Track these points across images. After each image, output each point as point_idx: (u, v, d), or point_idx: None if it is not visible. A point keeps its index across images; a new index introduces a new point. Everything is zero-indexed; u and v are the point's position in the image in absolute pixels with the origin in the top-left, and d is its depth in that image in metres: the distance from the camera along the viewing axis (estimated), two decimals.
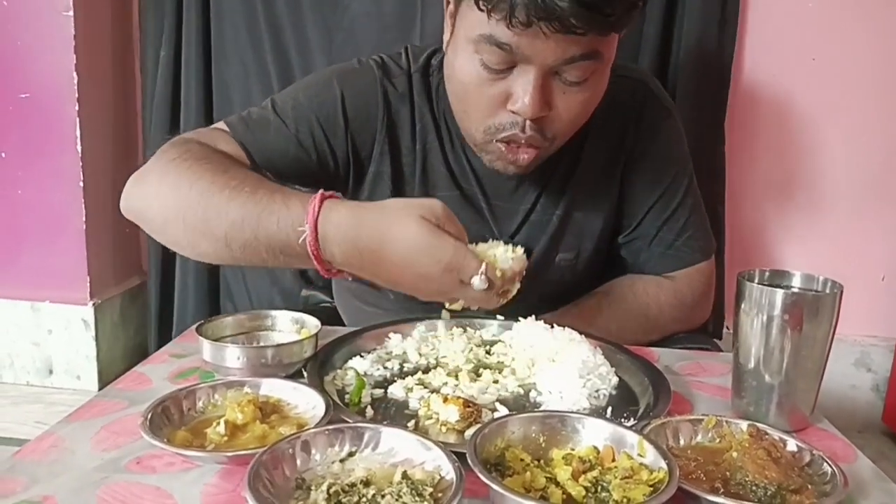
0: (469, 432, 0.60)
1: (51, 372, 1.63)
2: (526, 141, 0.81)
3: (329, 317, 0.82)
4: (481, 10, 0.73)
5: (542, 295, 0.89)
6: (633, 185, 0.99)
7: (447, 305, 0.77)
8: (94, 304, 1.59)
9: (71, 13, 1.47)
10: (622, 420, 0.63)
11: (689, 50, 1.41)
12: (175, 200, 0.78)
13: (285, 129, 0.90)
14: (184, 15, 1.51)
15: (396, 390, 0.70)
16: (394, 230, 0.67)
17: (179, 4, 1.51)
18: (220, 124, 0.92)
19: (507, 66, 0.77)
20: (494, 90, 0.79)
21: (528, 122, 0.79)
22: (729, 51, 1.43)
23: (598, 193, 0.98)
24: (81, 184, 1.53)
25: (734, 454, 0.56)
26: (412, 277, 0.68)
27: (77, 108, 1.50)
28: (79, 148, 1.52)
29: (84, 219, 1.55)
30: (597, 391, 0.70)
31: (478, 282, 0.66)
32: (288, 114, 0.91)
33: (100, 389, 1.60)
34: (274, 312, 0.82)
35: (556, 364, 0.72)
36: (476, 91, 0.80)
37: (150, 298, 1.66)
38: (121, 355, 1.67)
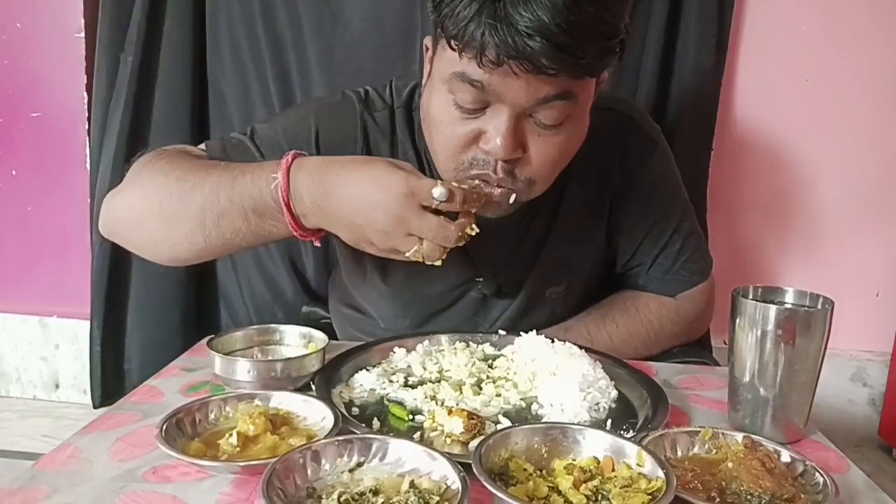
0: (473, 444, 0.62)
1: (57, 386, 1.65)
2: (497, 182, 0.79)
3: (329, 332, 0.84)
4: (453, 49, 0.73)
5: (536, 326, 0.89)
6: (623, 219, 0.99)
7: (407, 254, 0.73)
8: None
9: (82, 35, 1.50)
10: (622, 432, 0.65)
11: (686, 75, 1.42)
12: (150, 194, 0.83)
13: (259, 158, 0.91)
14: (165, 24, 1.42)
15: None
16: (357, 165, 0.75)
17: (155, 11, 1.41)
18: (201, 144, 0.95)
19: (480, 105, 0.76)
20: (467, 129, 0.77)
21: (499, 163, 0.78)
22: (719, 74, 1.44)
23: (586, 229, 0.98)
24: (90, 201, 1.56)
25: (730, 465, 0.58)
26: (372, 210, 0.71)
27: (87, 127, 1.53)
28: (88, 166, 1.54)
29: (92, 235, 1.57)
30: (597, 404, 0.72)
31: (438, 191, 0.70)
32: (263, 143, 0.92)
33: None
34: (282, 327, 0.84)
35: (557, 378, 0.74)
36: (449, 129, 0.79)
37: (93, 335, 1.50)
38: None
